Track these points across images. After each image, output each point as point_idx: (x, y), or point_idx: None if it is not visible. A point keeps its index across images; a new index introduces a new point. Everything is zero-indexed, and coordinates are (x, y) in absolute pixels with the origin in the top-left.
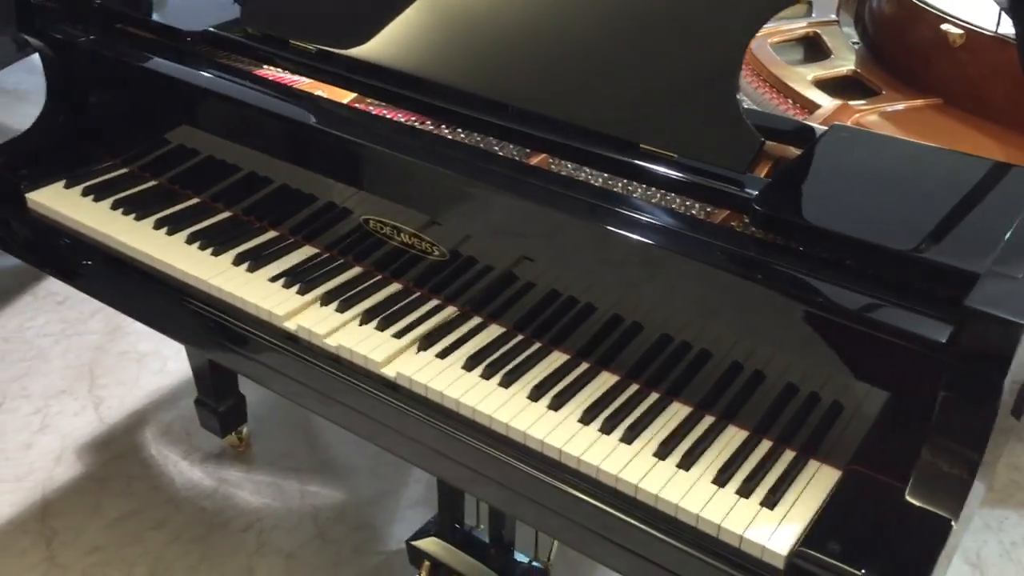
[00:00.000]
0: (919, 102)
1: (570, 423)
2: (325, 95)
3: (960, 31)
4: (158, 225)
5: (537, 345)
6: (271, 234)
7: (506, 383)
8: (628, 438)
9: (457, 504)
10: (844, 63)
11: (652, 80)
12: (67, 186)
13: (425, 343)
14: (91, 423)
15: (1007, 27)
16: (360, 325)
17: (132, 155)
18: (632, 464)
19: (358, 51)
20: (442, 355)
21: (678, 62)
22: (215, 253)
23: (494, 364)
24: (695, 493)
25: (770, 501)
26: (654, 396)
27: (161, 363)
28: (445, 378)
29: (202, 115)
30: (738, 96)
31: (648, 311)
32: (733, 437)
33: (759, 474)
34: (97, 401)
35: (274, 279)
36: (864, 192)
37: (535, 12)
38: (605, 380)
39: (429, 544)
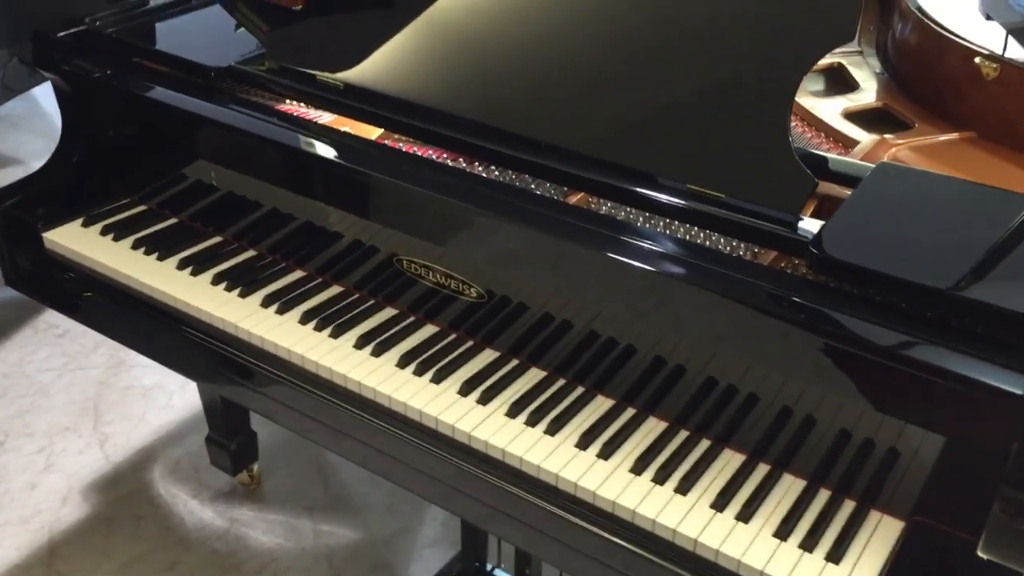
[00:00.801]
0: (954, 135)
1: (621, 472)
2: (351, 131)
3: (995, 64)
4: (182, 265)
5: (580, 390)
6: (298, 273)
7: (552, 431)
8: (683, 488)
9: (480, 544)
10: (872, 95)
11: (701, 118)
12: (85, 224)
13: (486, 396)
14: (97, 461)
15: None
16: (401, 369)
17: (150, 192)
18: (689, 515)
19: (387, 86)
20: (498, 408)
21: (728, 99)
22: (242, 295)
23: (539, 411)
24: (757, 547)
25: (835, 556)
26: (705, 443)
27: (167, 398)
28: (520, 444)
29: (226, 151)
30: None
31: (695, 355)
32: (791, 487)
33: (821, 526)
34: (103, 438)
35: (304, 321)
36: (923, 235)
37: (579, 50)
38: (653, 427)
39: None
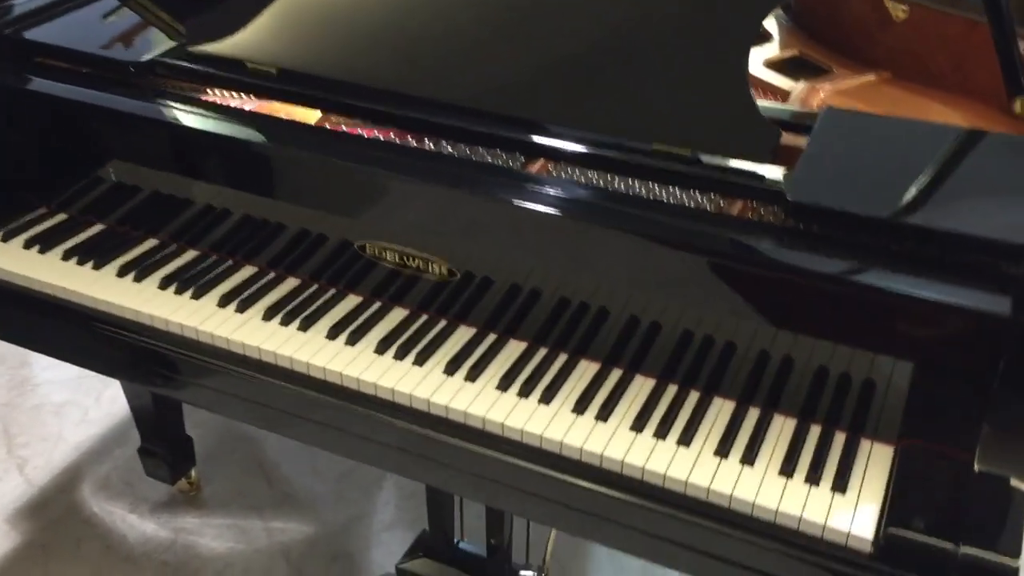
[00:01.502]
0: (871, 77)
1: (623, 432)
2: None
3: (904, 6)
4: (122, 272)
5: (564, 357)
6: (250, 269)
7: (546, 400)
8: (685, 440)
9: (446, 519)
10: (787, 45)
11: (658, 77)
12: (4, 239)
13: (473, 373)
14: (19, 487)
15: None
16: (380, 356)
17: (67, 199)
18: (696, 465)
19: (322, 67)
20: (487, 383)
21: (685, 51)
22: (196, 296)
23: (528, 381)
24: (767, 487)
25: (840, 486)
26: (695, 395)
27: (81, 413)
28: (518, 416)
29: (154, 149)
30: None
31: (671, 312)
32: (784, 427)
33: (821, 460)
34: (20, 462)
35: (268, 317)
36: (887, 174)
37: (519, 8)
38: (643, 385)
39: (421, 566)
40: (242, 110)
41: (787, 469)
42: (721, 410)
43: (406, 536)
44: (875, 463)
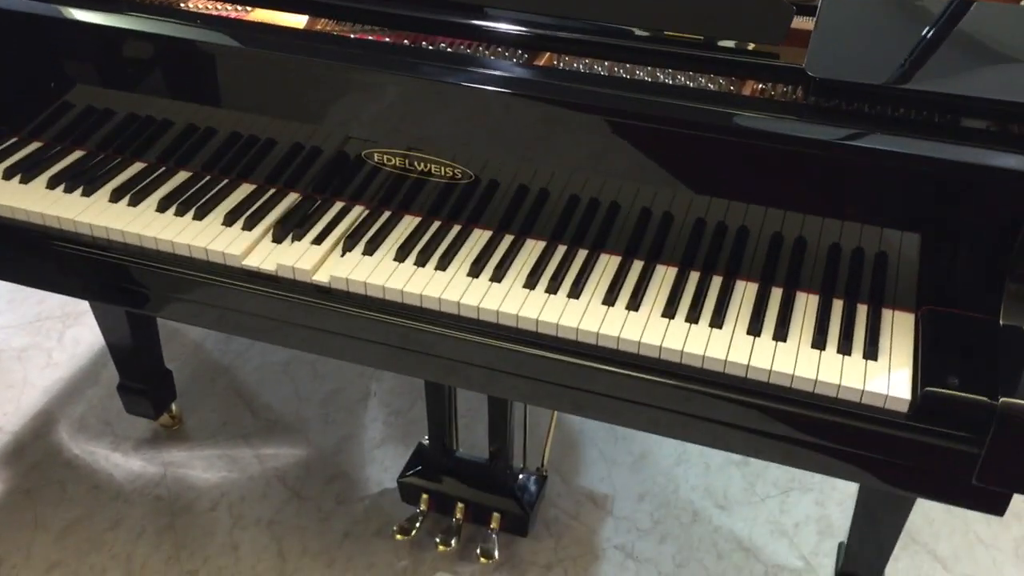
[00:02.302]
0: None
1: (655, 319)
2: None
3: None
4: (115, 197)
5: (585, 252)
6: (247, 187)
7: (574, 294)
8: (717, 323)
9: (446, 430)
10: None
11: None
12: None
13: (497, 274)
14: None
15: None
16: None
17: (41, 124)
18: (732, 346)
19: None
20: (513, 282)
21: None
22: (197, 216)
23: (555, 278)
24: (803, 360)
25: (872, 353)
26: (718, 280)
27: (45, 356)
28: (551, 311)
29: (139, 67)
30: None
31: (687, 200)
32: (808, 303)
33: (849, 331)
34: None
35: (278, 238)
36: (900, 46)
37: None
38: (666, 274)
39: (421, 478)
40: (228, 18)
41: (819, 342)
42: (746, 292)
43: (398, 451)
44: (899, 330)
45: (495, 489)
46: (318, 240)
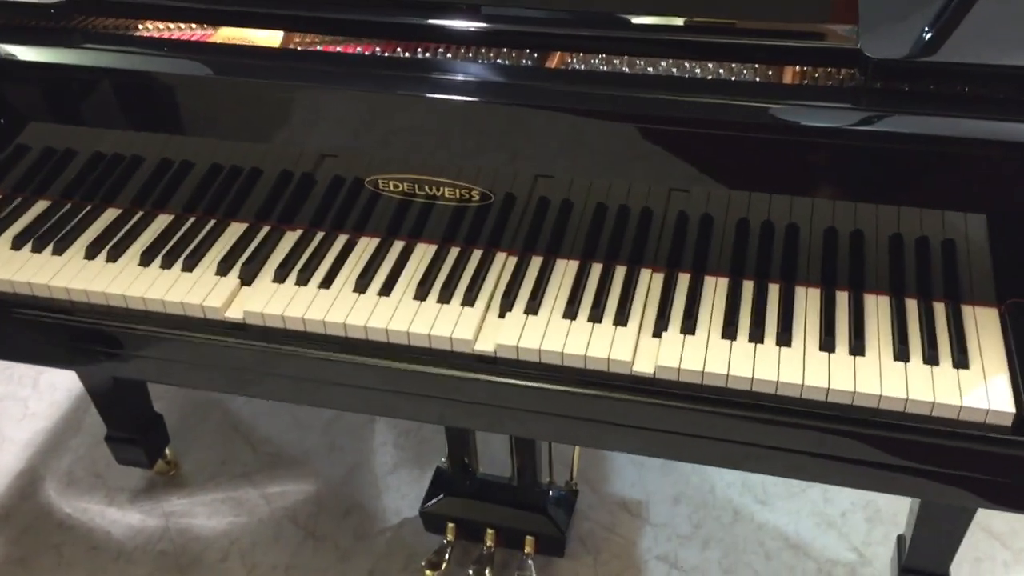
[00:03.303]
0: None
1: (716, 340)
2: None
3: None
4: (90, 254)
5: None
6: (239, 227)
7: (659, 330)
8: (785, 340)
9: (467, 453)
10: None
11: None
12: None
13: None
14: None
15: None
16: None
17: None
18: (812, 367)
19: None
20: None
21: None
22: (186, 268)
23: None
24: (888, 376)
25: (961, 360)
26: (774, 288)
27: (21, 408)
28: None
29: (97, 102)
30: None
31: (734, 198)
32: (879, 306)
33: (931, 337)
34: None
35: (277, 279)
36: (955, 15)
37: None
38: (715, 285)
39: (446, 506)
40: (192, 42)
41: (902, 353)
42: (808, 300)
43: (413, 476)
44: (985, 330)
45: (526, 509)
46: (327, 282)
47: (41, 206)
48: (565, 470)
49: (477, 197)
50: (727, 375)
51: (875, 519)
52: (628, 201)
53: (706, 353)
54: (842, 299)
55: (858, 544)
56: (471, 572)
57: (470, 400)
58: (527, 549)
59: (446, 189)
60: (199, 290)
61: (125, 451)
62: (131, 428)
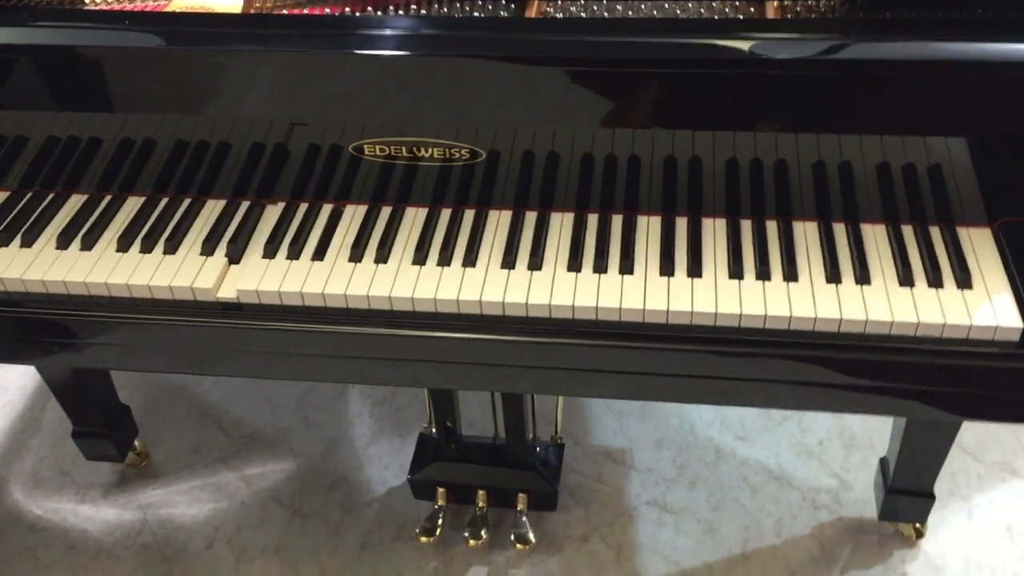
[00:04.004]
0: None
1: (724, 282)
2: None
3: None
4: (61, 243)
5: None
6: (216, 204)
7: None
8: (792, 275)
9: (452, 417)
10: None
11: None
12: None
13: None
14: None
15: None
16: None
17: None
18: (822, 299)
19: None
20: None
21: None
22: (168, 251)
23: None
24: (897, 302)
25: (964, 280)
26: (772, 225)
27: None
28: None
29: (47, 84)
30: None
31: (719, 137)
32: (877, 235)
33: (934, 259)
34: None
35: (267, 255)
36: None
37: None
38: (713, 226)
39: (434, 471)
40: (145, 12)
41: (906, 278)
42: (807, 234)
43: (393, 445)
44: (982, 250)
45: (516, 467)
46: (319, 254)
47: None
48: (547, 425)
49: (465, 155)
50: (740, 315)
51: (851, 445)
52: (615, 150)
53: (716, 295)
54: (840, 230)
55: (838, 470)
56: (467, 534)
57: (477, 361)
58: (520, 506)
59: (433, 150)
60: (186, 272)
61: (94, 446)
62: (98, 421)
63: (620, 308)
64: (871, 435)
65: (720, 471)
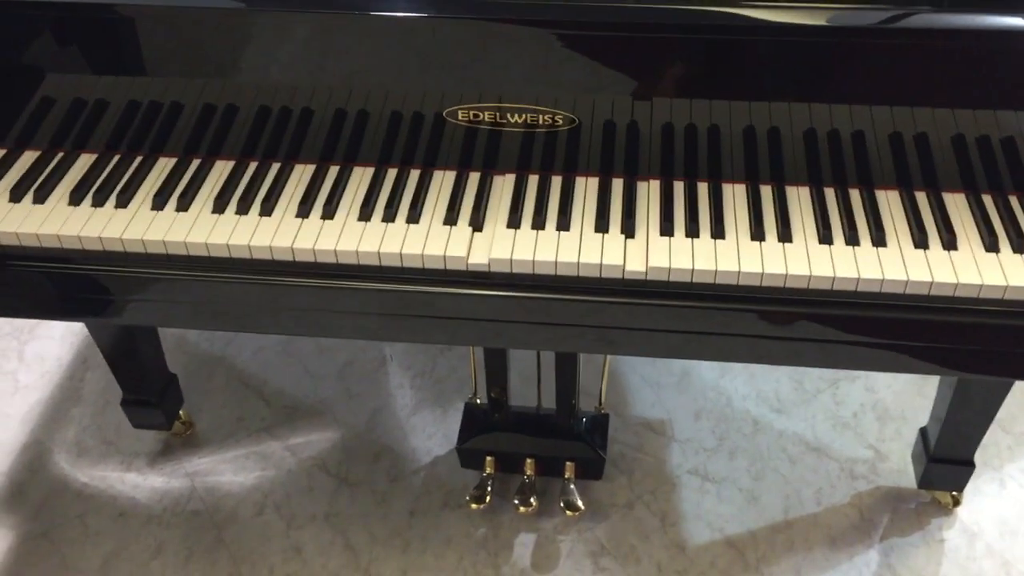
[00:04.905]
0: None
1: (814, 246)
2: None
3: None
4: (156, 205)
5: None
6: (305, 168)
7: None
8: (879, 240)
9: (503, 386)
10: None
11: None
12: None
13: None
14: None
15: None
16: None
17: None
18: (912, 265)
19: None
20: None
21: None
22: (302, 213)
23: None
24: (985, 268)
25: None
26: (856, 193)
27: (11, 381)
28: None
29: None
30: None
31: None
32: (958, 203)
33: (1015, 224)
34: None
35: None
36: None
37: None
38: (797, 193)
39: (483, 441)
40: None
41: (992, 244)
42: (890, 201)
43: (435, 416)
44: None
45: (564, 437)
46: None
47: (87, 159)
48: (586, 397)
49: (559, 121)
50: (809, 276)
51: (885, 417)
52: (714, 120)
53: (822, 256)
54: (923, 200)
55: (873, 441)
56: (517, 501)
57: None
58: (567, 475)
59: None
60: (316, 234)
61: (142, 414)
62: (147, 389)
63: (715, 271)
64: (903, 407)
65: (758, 442)
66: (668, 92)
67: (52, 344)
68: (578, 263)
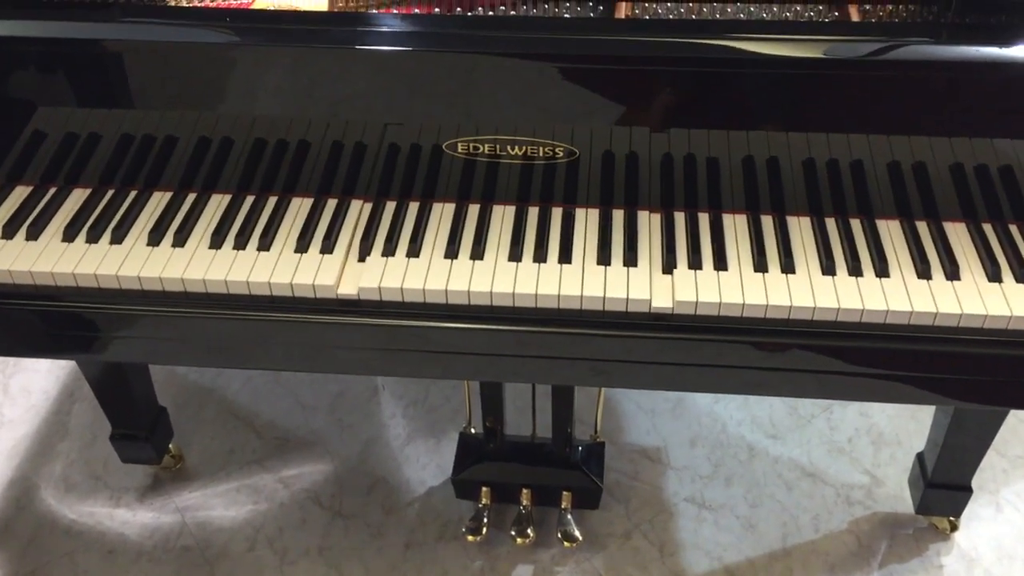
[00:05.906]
0: None
1: (844, 279)
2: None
3: None
4: (152, 241)
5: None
6: (303, 202)
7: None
8: (882, 270)
9: (498, 416)
10: None
11: None
12: None
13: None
14: None
15: None
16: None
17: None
18: (915, 296)
19: None
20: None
21: None
22: (262, 247)
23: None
24: (989, 299)
25: None
26: (856, 224)
27: None
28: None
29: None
30: None
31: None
32: (959, 233)
33: (1019, 255)
34: None
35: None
36: None
37: None
38: (798, 224)
39: (479, 471)
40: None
41: (995, 274)
42: (892, 233)
43: (428, 446)
44: None
45: (561, 466)
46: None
47: (80, 195)
48: (581, 425)
49: (559, 153)
50: (815, 308)
51: (879, 442)
52: (711, 151)
53: (813, 289)
54: (924, 229)
55: (868, 467)
56: (514, 532)
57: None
58: (564, 504)
59: (527, 147)
60: (315, 269)
61: (131, 448)
62: (137, 423)
63: (719, 303)
64: (898, 432)
65: (754, 468)
66: (667, 123)
67: (38, 377)
68: (581, 296)
